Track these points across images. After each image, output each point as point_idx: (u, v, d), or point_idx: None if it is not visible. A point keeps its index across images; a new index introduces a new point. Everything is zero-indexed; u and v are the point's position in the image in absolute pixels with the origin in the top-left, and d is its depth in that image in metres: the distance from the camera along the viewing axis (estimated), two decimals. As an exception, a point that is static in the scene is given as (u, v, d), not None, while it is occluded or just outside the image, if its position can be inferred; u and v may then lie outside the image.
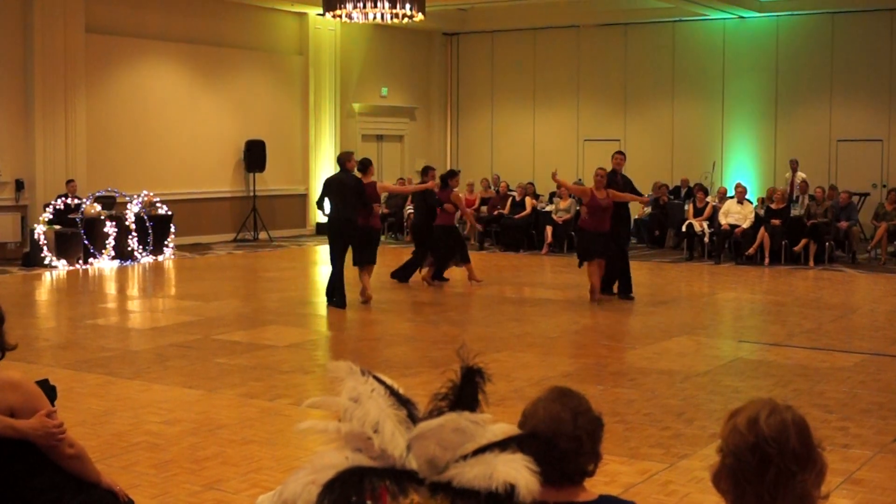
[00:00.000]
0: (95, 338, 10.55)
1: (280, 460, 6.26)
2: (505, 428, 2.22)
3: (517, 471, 2.02)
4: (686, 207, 19.21)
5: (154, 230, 17.59)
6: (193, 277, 15.84)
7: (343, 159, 12.73)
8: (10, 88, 17.49)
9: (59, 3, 17.73)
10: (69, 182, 17.33)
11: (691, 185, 21.04)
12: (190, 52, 20.27)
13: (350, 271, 12.68)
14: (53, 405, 3.70)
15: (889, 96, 20.95)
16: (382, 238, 15.20)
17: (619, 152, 13.78)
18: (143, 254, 17.37)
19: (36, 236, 16.43)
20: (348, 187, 12.30)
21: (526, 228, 20.00)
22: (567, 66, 24.24)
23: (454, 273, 14.59)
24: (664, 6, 21.43)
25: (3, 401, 3.50)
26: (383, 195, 16.55)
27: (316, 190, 22.64)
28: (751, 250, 17.39)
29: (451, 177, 14.56)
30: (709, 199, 18.92)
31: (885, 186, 20.63)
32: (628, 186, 13.15)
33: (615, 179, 12.95)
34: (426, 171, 14.88)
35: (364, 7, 17.44)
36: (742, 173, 21.96)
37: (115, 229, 16.93)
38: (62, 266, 16.32)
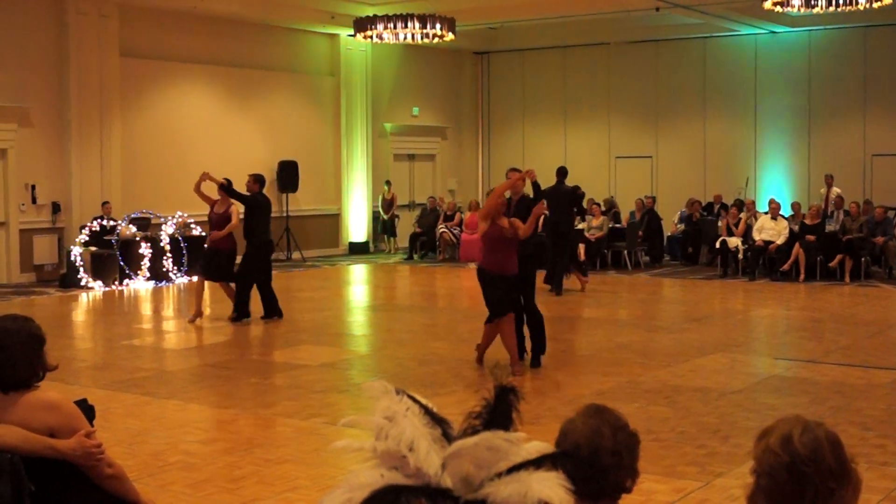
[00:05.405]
0: (131, 358, 10.63)
1: (315, 479, 6.28)
2: (539, 446, 2.22)
3: (551, 488, 2.02)
4: (719, 224, 19.10)
5: (188, 251, 17.73)
6: (227, 298, 15.89)
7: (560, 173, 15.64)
8: (47, 112, 17.71)
9: (94, 28, 17.96)
10: (104, 204, 17.52)
11: (725, 201, 20.93)
12: (222, 74, 20.46)
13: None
14: (92, 425, 3.74)
15: (924, 110, 20.78)
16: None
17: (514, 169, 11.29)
18: (178, 274, 17.51)
19: (72, 258, 16.61)
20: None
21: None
22: (598, 83, 24.22)
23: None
24: (695, 22, 21.38)
25: (42, 421, 3.55)
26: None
27: (349, 209, 22.77)
28: (785, 266, 17.25)
29: None
30: (742, 215, 18.81)
31: (921, 201, 20.45)
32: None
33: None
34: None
35: (395, 28, 17.58)
36: (776, 189, 21.83)
37: (150, 250, 17.08)
38: (98, 287, 16.47)
